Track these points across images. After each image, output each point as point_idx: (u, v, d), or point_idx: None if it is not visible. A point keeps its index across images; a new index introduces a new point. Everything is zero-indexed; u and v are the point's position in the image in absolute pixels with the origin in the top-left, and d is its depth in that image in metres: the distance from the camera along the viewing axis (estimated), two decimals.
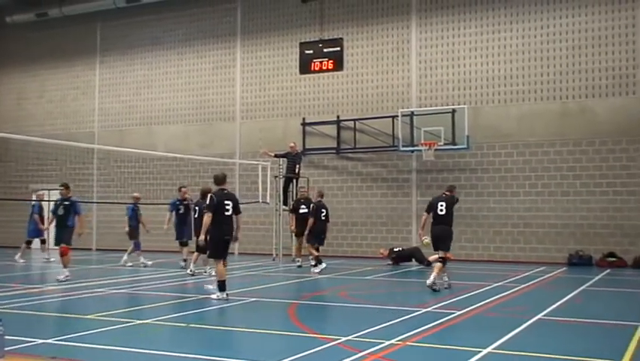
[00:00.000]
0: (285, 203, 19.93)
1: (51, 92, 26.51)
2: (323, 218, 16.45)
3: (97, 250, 24.49)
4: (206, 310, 10.61)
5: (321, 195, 16.90)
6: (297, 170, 19.77)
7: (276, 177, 20.17)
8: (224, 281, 11.31)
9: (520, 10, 19.96)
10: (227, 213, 11.28)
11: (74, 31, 25.91)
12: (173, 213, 17.33)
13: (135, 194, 18.88)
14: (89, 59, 25.89)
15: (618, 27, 18.89)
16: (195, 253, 15.12)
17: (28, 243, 20.01)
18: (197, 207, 15.19)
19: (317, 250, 16.41)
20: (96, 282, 14.24)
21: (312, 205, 16.51)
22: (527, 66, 19.83)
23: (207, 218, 11.16)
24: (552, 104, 19.49)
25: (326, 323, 9.68)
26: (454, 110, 19.49)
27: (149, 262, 17.86)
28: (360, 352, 7.19)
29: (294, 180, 19.93)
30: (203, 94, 24.03)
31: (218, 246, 11.41)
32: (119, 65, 25.46)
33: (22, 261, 19.09)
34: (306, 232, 16.39)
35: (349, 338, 7.96)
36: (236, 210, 11.48)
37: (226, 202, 11.32)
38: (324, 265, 16.21)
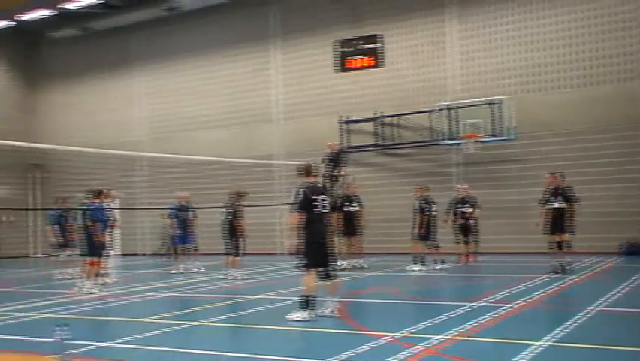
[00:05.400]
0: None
1: (96, 103, 26.96)
2: (434, 213, 16.07)
3: (144, 255, 24.82)
4: (256, 310, 10.69)
5: (426, 190, 16.45)
6: (338, 169, 19.75)
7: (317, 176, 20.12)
8: (311, 298, 9.30)
9: None
10: (318, 211, 9.32)
11: (115, 43, 26.32)
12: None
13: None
14: (129, 69, 26.29)
15: None
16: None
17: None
18: (227, 209, 15.44)
19: (436, 247, 16.11)
20: (149, 286, 14.45)
21: (417, 201, 16.05)
22: (569, 52, 19.50)
23: (295, 218, 9.28)
24: (596, 90, 19.12)
25: (378, 320, 9.66)
26: (496, 101, 19.29)
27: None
28: (415, 347, 7.17)
29: (337, 179, 19.92)
30: (240, 98, 24.18)
31: (314, 252, 9.34)
32: (159, 74, 25.78)
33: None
34: (415, 230, 15.86)
35: (403, 333, 7.95)
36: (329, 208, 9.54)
37: (316, 197, 9.35)
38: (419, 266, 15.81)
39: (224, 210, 15.57)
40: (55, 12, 24.66)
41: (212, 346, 7.80)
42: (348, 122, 21.99)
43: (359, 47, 21.89)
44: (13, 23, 25.88)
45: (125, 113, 26.28)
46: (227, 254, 15.55)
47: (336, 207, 16.49)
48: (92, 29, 25.71)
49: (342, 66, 22.11)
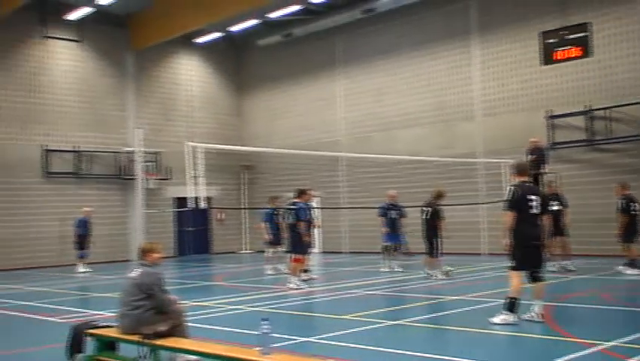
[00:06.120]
0: None
1: (299, 106, 28.12)
2: (638, 213, 14.78)
3: (349, 252, 25.41)
4: (456, 311, 10.51)
5: (627, 188, 15.18)
6: (543, 166, 18.90)
7: None
8: (516, 300, 9.00)
9: None
10: (533, 212, 9.13)
11: (316, 47, 27.25)
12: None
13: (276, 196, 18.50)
14: (331, 72, 27.04)
15: None
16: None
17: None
18: (427, 209, 15.26)
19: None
20: (351, 283, 14.76)
21: (620, 200, 14.86)
22: None
23: (508, 218, 9.10)
24: None
25: (586, 326, 9.04)
26: None
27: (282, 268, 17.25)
28: (628, 359, 6.62)
29: (540, 177, 19.06)
30: (440, 95, 23.90)
31: (524, 253, 9.10)
32: (359, 75, 26.25)
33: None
34: (619, 231, 14.75)
35: (614, 343, 7.38)
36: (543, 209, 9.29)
37: (531, 197, 9.14)
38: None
39: (424, 209, 15.48)
40: (260, 21, 26.09)
41: (411, 346, 7.77)
42: (554, 116, 20.89)
43: (566, 37, 20.69)
44: (224, 34, 27.75)
45: (326, 114, 27.08)
46: (428, 254, 15.46)
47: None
48: (294, 35, 26.81)
49: (549, 58, 21.01)
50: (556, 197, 15.89)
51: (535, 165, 18.85)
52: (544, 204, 9.30)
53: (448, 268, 15.28)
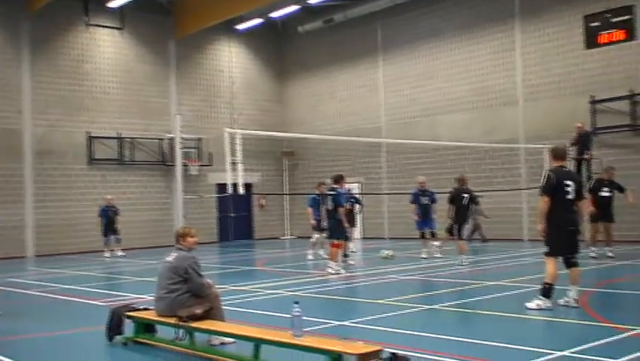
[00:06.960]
0: None
1: (340, 92, 28.12)
2: None
3: (390, 238, 25.43)
4: (489, 297, 10.50)
5: None
6: (588, 152, 18.60)
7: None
8: (551, 286, 8.94)
9: None
10: (568, 197, 9.03)
11: (357, 33, 27.16)
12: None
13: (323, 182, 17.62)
14: (372, 58, 26.94)
15: None
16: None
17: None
18: (465, 195, 15.20)
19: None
20: (388, 269, 14.79)
21: None
22: None
23: (543, 203, 9.02)
24: None
25: (622, 312, 8.96)
26: None
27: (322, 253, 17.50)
28: None
29: (586, 162, 18.76)
30: (482, 80, 23.64)
31: (560, 239, 9.07)
32: (400, 60, 26.10)
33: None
34: None
35: None
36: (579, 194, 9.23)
37: (566, 182, 9.06)
38: None
39: (463, 195, 15.37)
40: (301, 7, 26.14)
41: (445, 330, 7.81)
42: (597, 101, 20.50)
43: (610, 20, 20.23)
44: (265, 20, 27.85)
45: (368, 100, 27.03)
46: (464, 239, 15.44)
47: (590, 191, 15.36)
48: (335, 21, 26.79)
49: (592, 42, 20.57)
50: (611, 183, 15.60)
51: (580, 150, 18.63)
52: (580, 190, 9.22)
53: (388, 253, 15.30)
